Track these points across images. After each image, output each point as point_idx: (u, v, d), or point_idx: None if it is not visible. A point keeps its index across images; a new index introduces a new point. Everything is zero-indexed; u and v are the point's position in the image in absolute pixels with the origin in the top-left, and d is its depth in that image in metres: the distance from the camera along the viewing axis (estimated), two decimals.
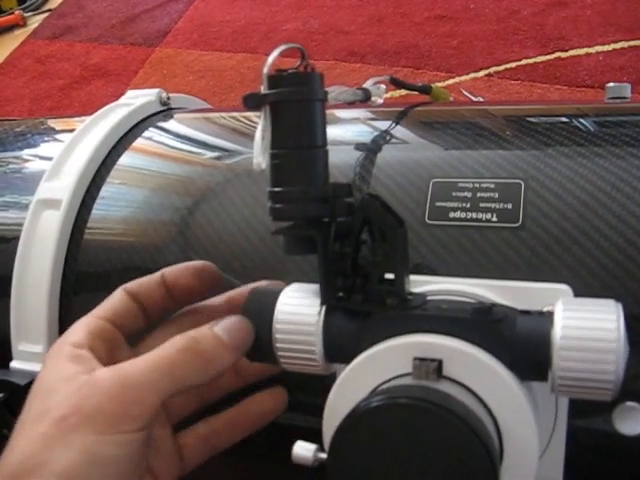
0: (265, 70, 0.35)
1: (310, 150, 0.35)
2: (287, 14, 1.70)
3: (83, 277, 0.55)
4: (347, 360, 0.36)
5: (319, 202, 0.35)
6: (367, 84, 0.56)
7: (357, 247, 0.36)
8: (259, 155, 0.36)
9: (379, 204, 0.35)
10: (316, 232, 0.35)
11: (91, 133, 0.59)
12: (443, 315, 0.34)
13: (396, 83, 0.62)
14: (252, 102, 0.36)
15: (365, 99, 0.54)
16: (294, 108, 0.36)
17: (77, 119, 0.68)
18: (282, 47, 0.36)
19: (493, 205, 0.43)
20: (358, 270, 0.36)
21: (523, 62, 1.39)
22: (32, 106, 1.63)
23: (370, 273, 0.36)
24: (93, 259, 0.55)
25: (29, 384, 0.50)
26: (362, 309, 0.36)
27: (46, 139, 0.69)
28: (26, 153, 0.67)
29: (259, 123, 0.36)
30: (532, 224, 0.42)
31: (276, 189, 0.36)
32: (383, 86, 0.58)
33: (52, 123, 0.73)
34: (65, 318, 0.54)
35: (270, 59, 0.35)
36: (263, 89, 0.36)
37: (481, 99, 1.30)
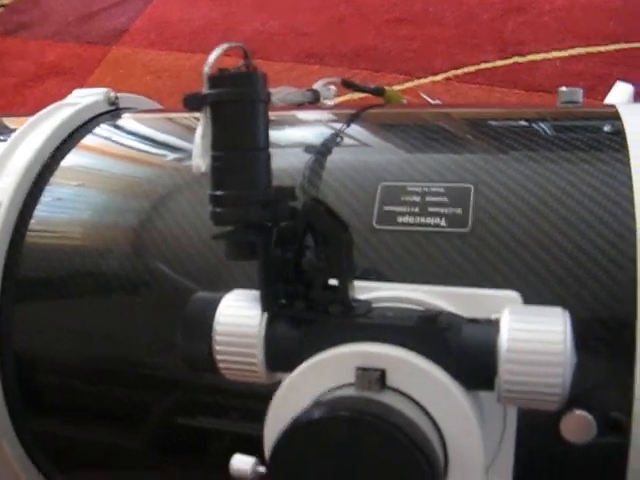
0: (206, 69, 0.34)
1: (251, 152, 0.34)
2: (246, 15, 1.68)
3: (24, 283, 0.53)
4: (290, 369, 0.34)
5: (260, 206, 0.34)
6: (317, 85, 0.55)
7: (300, 253, 0.35)
8: (198, 157, 0.34)
9: (323, 209, 0.34)
10: (256, 237, 0.34)
11: (34, 132, 0.57)
12: (387, 324, 0.33)
13: (348, 85, 0.61)
14: (192, 103, 0.35)
15: (314, 100, 0.53)
16: (235, 109, 0.35)
17: (23, 119, 0.66)
18: (224, 46, 0.34)
19: (442, 210, 0.42)
20: (301, 276, 0.35)
21: (482, 66, 1.39)
22: None
23: (313, 279, 0.35)
24: (35, 263, 0.53)
25: None
26: (305, 317, 0.35)
27: None
28: None
29: (199, 124, 0.35)
30: (482, 229, 0.41)
31: (216, 192, 0.34)
32: (333, 87, 0.57)
33: None
34: (5, 325, 0.52)
35: (211, 58, 0.34)
36: (204, 89, 0.34)
37: (439, 102, 1.30)
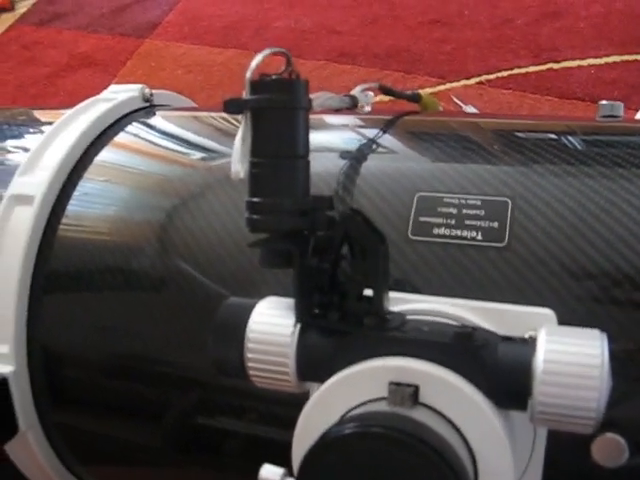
0: (248, 75, 0.34)
1: (290, 160, 0.34)
2: (279, 11, 1.68)
3: (54, 276, 0.53)
4: (321, 379, 0.34)
5: (297, 215, 0.34)
6: (355, 91, 0.54)
7: (336, 263, 0.35)
8: (237, 163, 0.34)
9: (361, 219, 0.34)
10: (293, 246, 0.34)
11: (69, 127, 0.58)
12: (422, 339, 0.33)
13: (385, 91, 0.61)
14: (233, 107, 0.34)
15: (352, 106, 0.53)
16: (276, 116, 0.34)
17: (58, 112, 0.66)
18: (266, 51, 0.34)
19: (479, 223, 0.42)
20: (336, 286, 0.35)
21: (515, 71, 1.38)
22: (16, 93, 1.60)
23: (348, 290, 0.34)
24: (65, 258, 0.53)
25: None
26: (338, 328, 0.34)
27: (24, 131, 0.67)
28: (2, 145, 0.65)
29: (239, 129, 0.34)
30: (518, 244, 0.41)
31: (254, 199, 0.34)
32: (371, 94, 0.57)
33: (32, 114, 0.71)
34: (33, 318, 0.52)
35: (253, 63, 0.34)
36: (245, 94, 0.34)
37: (471, 107, 1.29)
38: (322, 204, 0.35)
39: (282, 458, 0.36)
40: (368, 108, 0.56)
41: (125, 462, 0.56)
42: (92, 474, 0.59)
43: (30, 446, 0.54)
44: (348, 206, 0.34)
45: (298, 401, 0.35)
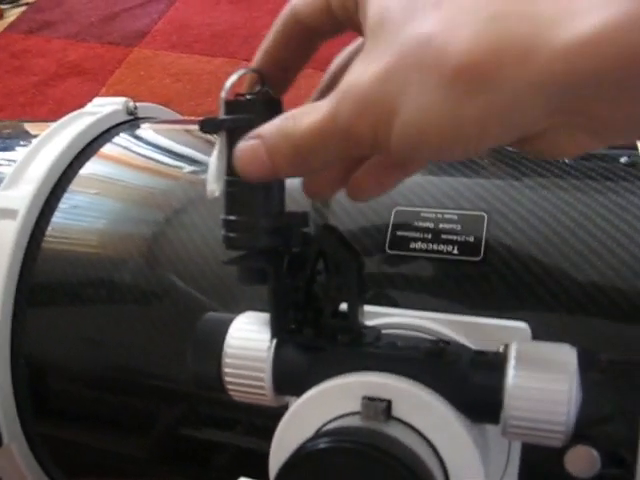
0: (223, 95, 0.34)
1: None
2: (268, 20, 1.67)
3: (38, 290, 0.53)
4: (297, 394, 0.35)
5: (272, 232, 0.34)
6: None
7: (311, 279, 0.35)
8: (213, 182, 0.34)
9: (335, 237, 0.34)
10: (267, 264, 0.34)
11: (53, 141, 0.58)
12: (395, 354, 0.34)
13: None
14: (209, 127, 0.35)
15: None
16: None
17: (43, 124, 0.67)
18: (240, 72, 0.35)
19: (455, 237, 0.42)
20: (312, 302, 0.36)
21: None
22: (4, 101, 1.60)
23: (323, 306, 0.35)
24: (49, 271, 0.54)
25: None
26: (313, 344, 0.35)
27: (9, 144, 0.67)
28: None
29: (214, 149, 0.35)
30: (494, 258, 0.41)
31: (229, 217, 0.35)
32: None
33: (17, 127, 0.71)
34: (17, 331, 0.53)
35: (228, 84, 0.34)
36: (220, 114, 0.35)
37: None
38: (297, 221, 0.35)
39: (267, 470, 0.36)
40: None
41: (110, 474, 0.57)
42: None
43: (14, 458, 0.54)
44: (323, 223, 0.35)
45: (283, 413, 0.36)
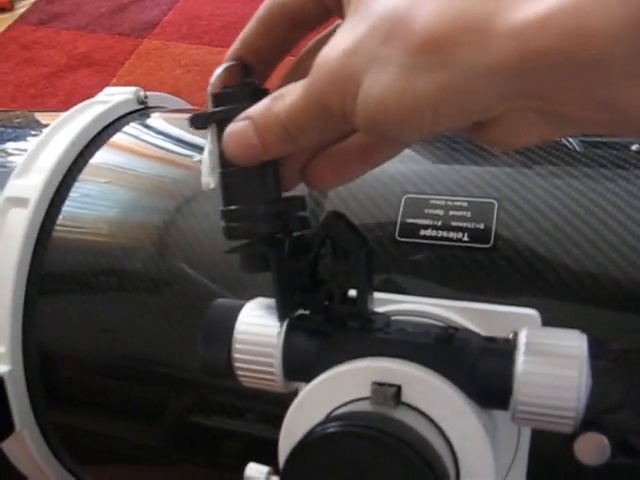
0: (209, 89, 0.34)
1: (260, 166, 0.34)
2: None
3: (49, 278, 0.54)
4: (307, 380, 0.35)
5: (271, 219, 0.34)
6: None
7: (315, 261, 0.35)
8: (207, 175, 0.35)
9: (343, 224, 0.34)
10: (268, 249, 0.35)
11: (64, 130, 0.58)
12: (405, 340, 0.34)
13: None
14: (199, 122, 0.35)
15: None
16: None
17: (54, 114, 0.67)
18: (225, 65, 0.35)
19: (465, 224, 0.42)
20: (318, 284, 0.36)
21: None
22: (15, 93, 1.61)
23: (332, 292, 0.35)
24: (60, 260, 0.54)
25: None
26: (323, 330, 0.35)
27: (20, 133, 0.68)
28: (0, 148, 0.65)
29: (206, 142, 0.35)
30: (503, 245, 0.41)
31: (228, 208, 0.35)
32: None
33: (28, 117, 0.72)
34: (29, 319, 0.53)
35: (213, 79, 0.34)
36: (209, 108, 0.35)
37: None
38: (294, 205, 0.35)
39: (278, 456, 0.37)
40: None
41: (121, 460, 0.57)
42: (89, 472, 0.60)
43: (26, 445, 0.54)
44: (331, 211, 0.35)
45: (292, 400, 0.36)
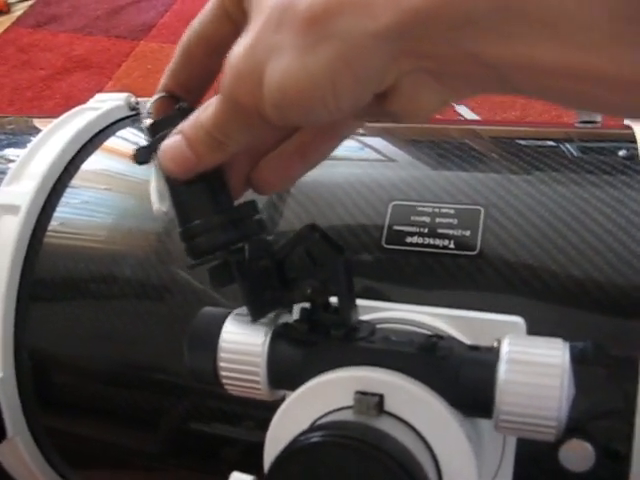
0: (145, 123, 0.37)
1: (205, 180, 0.35)
2: None
3: (41, 284, 0.54)
4: (292, 388, 0.35)
5: (227, 228, 0.35)
6: None
7: (280, 261, 0.35)
8: (157, 202, 0.36)
9: (317, 234, 0.34)
10: (230, 257, 0.35)
11: (55, 136, 0.58)
12: (388, 349, 0.34)
13: None
14: (141, 156, 0.36)
15: None
16: None
17: (46, 120, 0.67)
18: (155, 97, 0.36)
19: (451, 231, 0.42)
20: (287, 282, 0.36)
21: None
22: (12, 96, 1.61)
23: (315, 302, 0.35)
24: (52, 266, 0.54)
25: None
26: (307, 339, 0.35)
27: (12, 140, 0.68)
28: None
29: (152, 173, 0.36)
30: (489, 253, 0.41)
31: (185, 227, 0.36)
32: None
33: (21, 123, 0.72)
34: (21, 325, 0.53)
35: (146, 114, 0.37)
36: (147, 140, 0.36)
37: (463, 107, 1.30)
38: (247, 210, 0.36)
39: None
40: None
41: (114, 466, 0.57)
42: (82, 478, 0.60)
43: (19, 451, 0.54)
44: (305, 225, 0.35)
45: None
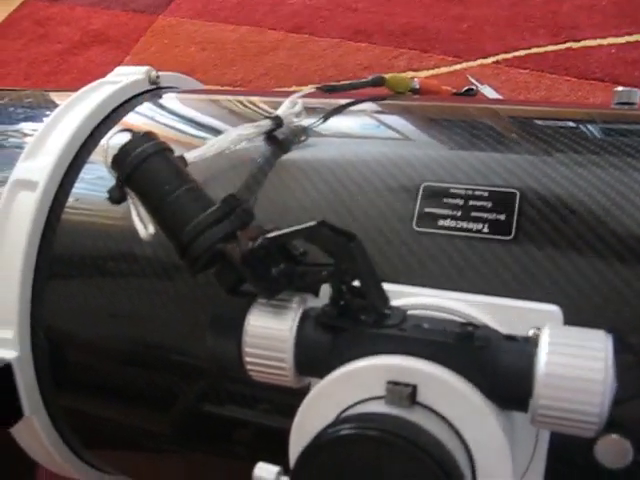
0: (108, 163, 0.40)
1: (182, 188, 0.39)
2: None
3: (58, 262, 0.53)
4: (320, 375, 0.34)
5: (220, 221, 0.37)
6: (284, 106, 0.50)
7: (276, 239, 0.35)
8: (141, 228, 0.40)
9: (325, 229, 0.33)
10: (222, 245, 0.36)
11: (74, 111, 0.57)
12: (421, 337, 0.32)
13: (330, 89, 0.56)
14: (116, 196, 0.40)
15: (273, 129, 0.50)
16: (148, 167, 0.40)
17: (64, 93, 0.66)
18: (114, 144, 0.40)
19: (485, 215, 0.41)
20: (293, 257, 0.36)
21: (533, 50, 1.35)
22: (29, 70, 1.60)
23: (339, 287, 0.34)
24: (69, 244, 0.53)
25: None
26: (336, 324, 0.34)
27: (30, 114, 0.67)
28: (8, 128, 0.64)
29: (130, 203, 0.40)
30: (525, 238, 0.40)
31: (180, 232, 0.38)
32: (299, 104, 0.52)
33: (39, 96, 0.70)
34: (37, 303, 0.52)
35: (109, 152, 0.40)
36: (115, 175, 0.40)
37: (488, 87, 1.27)
38: (231, 202, 0.38)
39: (287, 447, 0.36)
40: (299, 122, 0.52)
41: (130, 446, 0.57)
42: (98, 457, 0.59)
43: (35, 430, 0.54)
44: (314, 222, 0.34)
45: (305, 390, 0.35)
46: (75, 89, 0.61)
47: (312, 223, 0.34)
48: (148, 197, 0.40)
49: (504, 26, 1.42)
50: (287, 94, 0.54)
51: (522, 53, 1.35)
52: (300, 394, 0.35)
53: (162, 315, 0.49)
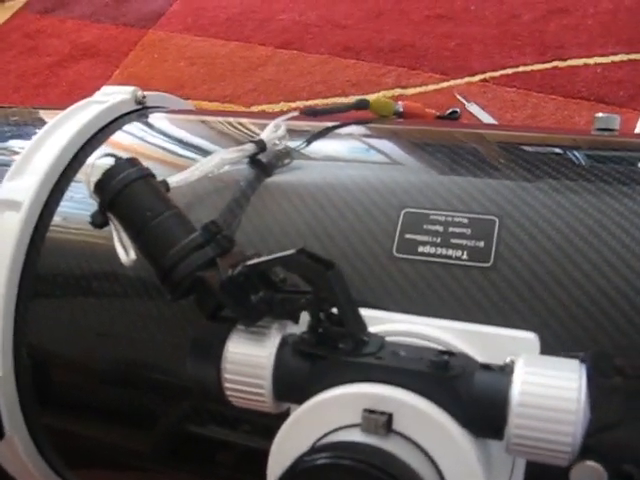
0: (91, 190, 0.41)
1: (164, 213, 0.39)
2: (284, 4, 1.66)
3: (42, 281, 0.53)
4: (298, 401, 0.34)
5: (201, 246, 0.38)
6: (265, 133, 0.51)
7: (255, 267, 0.36)
8: (123, 254, 0.40)
9: (303, 256, 0.34)
10: (202, 273, 0.37)
11: (60, 130, 0.57)
12: (397, 366, 0.33)
13: (313, 112, 0.57)
14: (98, 220, 0.41)
15: (257, 153, 0.50)
16: (131, 192, 0.40)
17: (51, 112, 0.66)
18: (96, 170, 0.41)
19: (464, 242, 0.41)
20: (273, 284, 0.37)
21: (520, 69, 1.36)
22: (18, 82, 1.59)
23: (311, 311, 0.34)
24: (53, 263, 0.53)
25: None
26: (314, 352, 0.34)
27: (16, 132, 0.67)
28: None
29: (112, 229, 0.41)
30: (503, 265, 0.40)
31: (161, 258, 0.38)
32: (283, 128, 0.52)
33: (25, 115, 0.71)
34: (21, 323, 0.52)
35: (92, 179, 0.41)
36: (97, 200, 0.41)
37: (474, 105, 1.28)
38: (211, 229, 0.39)
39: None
40: (281, 145, 0.52)
41: (112, 466, 0.56)
42: (80, 477, 0.59)
43: (17, 450, 0.54)
44: (293, 250, 0.35)
45: (286, 414, 0.35)
46: (62, 107, 0.61)
47: (291, 251, 0.34)
48: (130, 222, 0.40)
49: (492, 44, 1.44)
50: (273, 115, 0.54)
51: (509, 71, 1.37)
52: (282, 417, 0.35)
53: (145, 335, 0.49)
